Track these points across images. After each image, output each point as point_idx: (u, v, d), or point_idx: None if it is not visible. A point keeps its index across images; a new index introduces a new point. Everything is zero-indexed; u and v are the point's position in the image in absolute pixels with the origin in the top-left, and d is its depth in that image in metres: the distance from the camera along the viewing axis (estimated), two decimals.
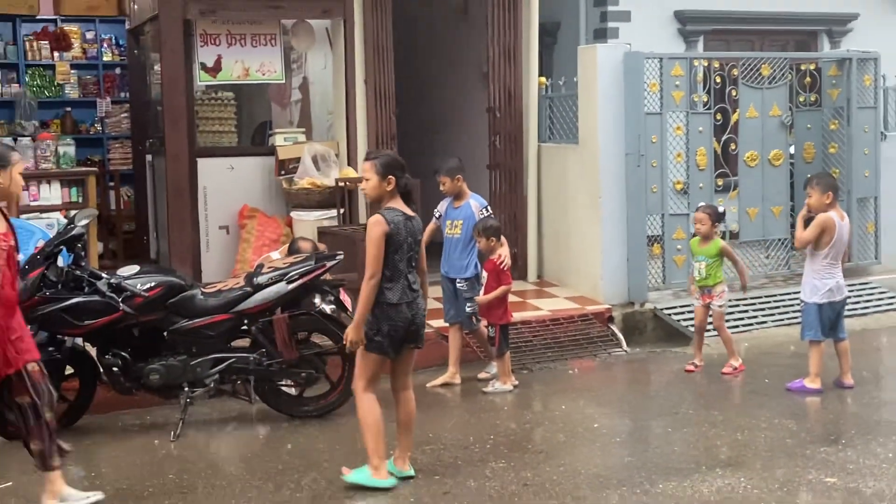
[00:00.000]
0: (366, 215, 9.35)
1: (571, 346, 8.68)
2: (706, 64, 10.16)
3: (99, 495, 5.58)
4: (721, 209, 8.56)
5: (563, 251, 10.25)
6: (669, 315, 9.42)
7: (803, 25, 12.91)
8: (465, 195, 8.05)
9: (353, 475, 5.79)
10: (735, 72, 10.15)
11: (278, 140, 9.98)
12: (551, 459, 6.32)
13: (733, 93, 10.22)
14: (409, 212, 5.83)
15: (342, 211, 9.53)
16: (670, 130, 9.71)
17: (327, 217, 9.41)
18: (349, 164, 9.69)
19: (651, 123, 9.58)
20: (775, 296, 9.93)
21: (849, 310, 8.49)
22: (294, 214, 9.70)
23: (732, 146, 10.24)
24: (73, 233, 6.95)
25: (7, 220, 5.42)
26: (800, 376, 7.51)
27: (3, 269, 5.22)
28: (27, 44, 11.76)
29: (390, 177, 5.75)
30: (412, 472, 5.90)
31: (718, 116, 10.11)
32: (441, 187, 8.03)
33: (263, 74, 10.02)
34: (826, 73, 10.79)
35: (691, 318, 8.67)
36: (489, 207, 8.17)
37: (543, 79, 10.50)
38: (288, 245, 8.13)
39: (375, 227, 5.66)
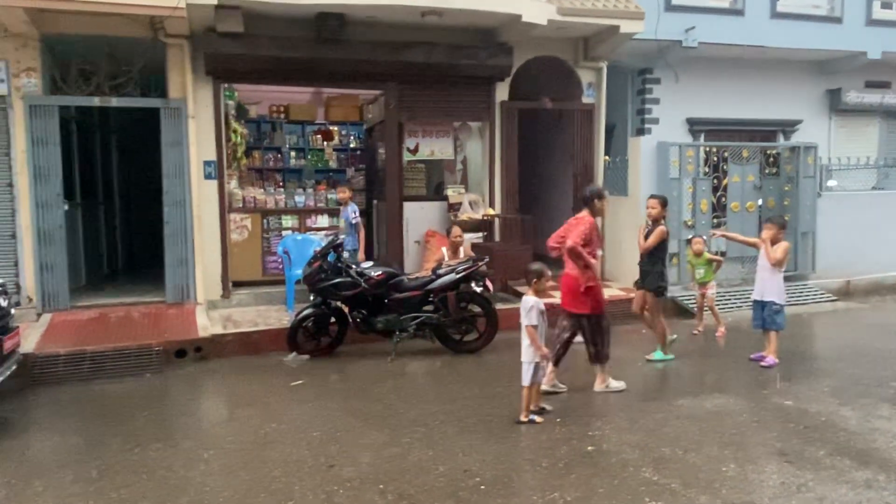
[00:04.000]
0: (498, 237, 9.42)
1: (622, 317, 8.45)
2: (708, 149, 9.89)
3: (623, 384, 5.83)
4: (705, 237, 8.52)
5: (616, 260, 9.95)
6: (682, 300, 9.10)
7: (767, 127, 12.33)
8: None
9: (657, 355, 6.70)
10: (726, 154, 9.85)
11: (449, 192, 10.01)
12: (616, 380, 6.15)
13: (724, 167, 9.90)
14: None
15: (486, 233, 9.53)
16: (685, 189, 9.41)
17: (477, 237, 9.43)
18: (490, 206, 9.67)
19: (672, 184, 9.31)
20: (748, 291, 9.34)
21: (794, 301, 8.09)
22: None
23: (723, 199, 9.89)
24: (336, 242, 7.22)
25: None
26: (762, 342, 6.78)
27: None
28: (310, 137, 12.16)
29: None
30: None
31: (714, 181, 9.79)
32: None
33: (441, 154, 10.14)
34: (783, 155, 10.32)
35: (694, 302, 8.39)
36: None
37: (607, 157, 10.35)
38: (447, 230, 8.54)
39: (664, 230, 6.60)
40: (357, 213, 8.25)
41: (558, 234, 5.99)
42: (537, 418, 5.06)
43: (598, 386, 5.79)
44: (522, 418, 5.04)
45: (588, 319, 5.76)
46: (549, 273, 5.30)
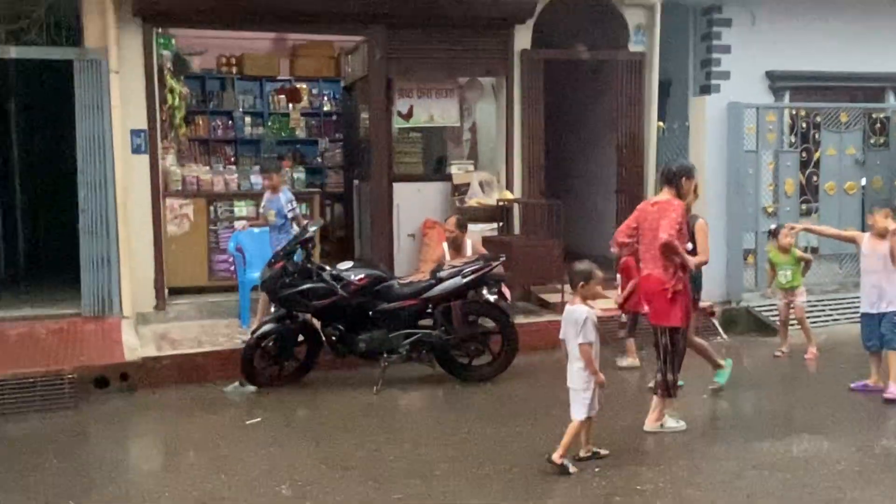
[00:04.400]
0: (518, 229, 9.41)
1: None
2: (794, 112, 9.93)
3: (683, 425, 5.81)
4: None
5: None
6: (760, 311, 9.11)
7: (872, 82, 12.28)
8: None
9: (720, 377, 6.71)
10: (818, 119, 9.90)
11: (453, 169, 10.01)
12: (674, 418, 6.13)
13: (816, 135, 9.96)
14: None
15: (501, 224, 9.53)
16: (764, 165, 9.48)
17: (490, 229, 9.43)
18: (507, 188, 9.67)
19: (748, 159, 9.40)
20: (846, 299, 9.42)
21: None
22: None
23: (815, 178, 9.94)
24: (306, 236, 7.27)
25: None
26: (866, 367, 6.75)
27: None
28: (270, 97, 12.19)
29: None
30: None
31: (803, 154, 9.86)
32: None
33: (443, 119, 10.13)
34: (893, 120, 10.35)
35: (777, 315, 8.35)
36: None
37: (662, 123, 10.34)
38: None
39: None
40: (294, 204, 8.14)
41: (628, 224, 5.98)
42: (571, 467, 5.03)
43: (650, 425, 5.78)
44: (556, 458, 4.99)
45: (671, 336, 5.67)
46: (601, 274, 5.24)
